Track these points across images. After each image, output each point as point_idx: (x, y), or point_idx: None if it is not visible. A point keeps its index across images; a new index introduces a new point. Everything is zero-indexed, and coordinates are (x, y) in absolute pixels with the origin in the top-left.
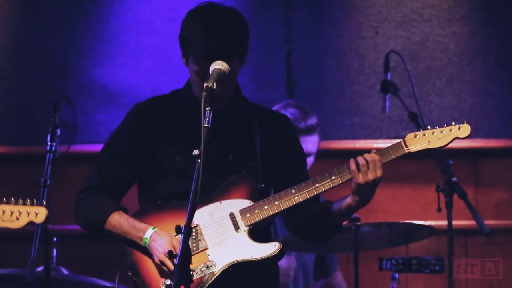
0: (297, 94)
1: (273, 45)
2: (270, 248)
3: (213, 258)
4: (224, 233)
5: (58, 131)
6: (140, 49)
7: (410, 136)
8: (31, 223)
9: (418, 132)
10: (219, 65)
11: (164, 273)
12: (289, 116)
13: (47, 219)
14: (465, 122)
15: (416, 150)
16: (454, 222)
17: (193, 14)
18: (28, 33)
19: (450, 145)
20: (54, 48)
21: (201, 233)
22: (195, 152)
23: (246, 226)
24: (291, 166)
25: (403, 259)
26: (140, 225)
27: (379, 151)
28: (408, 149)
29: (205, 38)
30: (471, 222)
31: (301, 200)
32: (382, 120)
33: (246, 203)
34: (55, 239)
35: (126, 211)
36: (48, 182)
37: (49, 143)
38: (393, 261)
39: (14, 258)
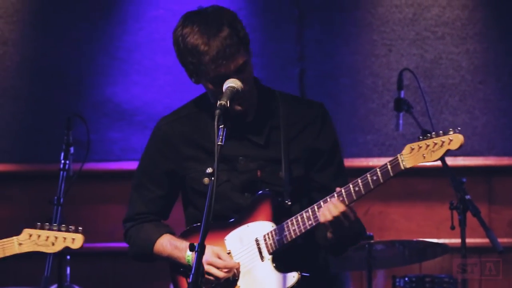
0: None
1: (286, 63)
2: (290, 280)
3: None
4: (252, 262)
5: (72, 149)
6: (154, 67)
7: (406, 150)
8: (66, 248)
9: (414, 144)
10: (232, 83)
11: None
12: None
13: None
14: (458, 130)
15: (410, 166)
16: (468, 240)
17: (184, 26)
18: (42, 51)
19: (464, 163)
20: (68, 66)
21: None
22: (209, 170)
23: (269, 254)
24: (318, 169)
25: (416, 277)
26: (182, 244)
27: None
28: (404, 166)
29: (206, 38)
30: (484, 240)
31: (314, 224)
32: (395, 138)
33: (269, 226)
34: (68, 257)
35: (171, 232)
36: (61, 200)
37: (62, 161)
38: (406, 279)
39: (28, 276)
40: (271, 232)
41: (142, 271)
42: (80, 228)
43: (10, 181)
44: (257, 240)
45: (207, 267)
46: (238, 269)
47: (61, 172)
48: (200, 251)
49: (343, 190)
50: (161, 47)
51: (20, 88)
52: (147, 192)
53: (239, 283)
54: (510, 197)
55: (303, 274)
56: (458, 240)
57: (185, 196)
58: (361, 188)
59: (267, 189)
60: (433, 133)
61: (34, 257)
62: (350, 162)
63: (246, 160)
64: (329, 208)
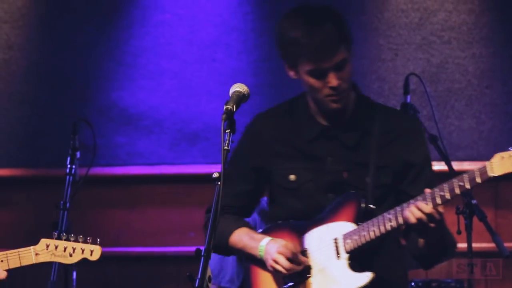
0: None
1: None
2: (363, 279)
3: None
4: (328, 260)
5: (78, 154)
6: (160, 71)
7: (496, 158)
8: (84, 260)
9: (505, 154)
10: (238, 87)
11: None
12: None
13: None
14: None
15: (499, 174)
16: (474, 245)
17: (288, 18)
18: (48, 56)
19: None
20: (74, 71)
21: (308, 259)
22: (215, 175)
23: (346, 253)
24: (409, 182)
25: (422, 281)
26: (258, 236)
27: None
28: (492, 174)
29: (309, 30)
30: (491, 245)
31: (395, 226)
32: None
33: (350, 226)
34: None
35: (250, 227)
36: (67, 204)
37: (68, 166)
38: (412, 283)
39: (34, 281)
40: (350, 231)
41: (148, 276)
42: (98, 239)
43: (16, 186)
44: (335, 239)
45: (276, 256)
46: (310, 266)
47: (67, 177)
48: (206, 256)
49: (427, 194)
50: (167, 52)
51: (26, 92)
52: (233, 185)
53: (312, 279)
54: None
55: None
56: (465, 245)
57: (271, 192)
58: (446, 193)
59: (353, 191)
60: None
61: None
62: None
63: (334, 160)
64: (412, 210)
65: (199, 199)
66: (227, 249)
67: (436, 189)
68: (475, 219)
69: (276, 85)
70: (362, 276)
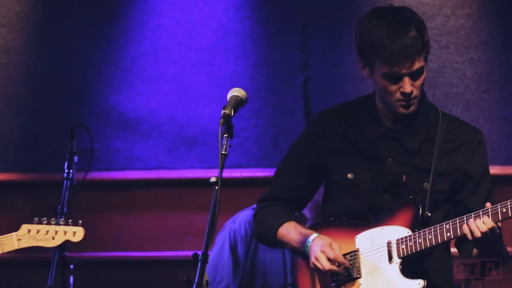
0: None
1: (290, 72)
2: (414, 286)
3: None
4: (379, 263)
5: (75, 158)
6: (158, 76)
7: None
8: (67, 242)
9: None
10: (236, 92)
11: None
12: None
13: (64, 246)
14: None
15: None
16: None
17: (372, 18)
18: (46, 60)
19: None
20: (72, 75)
21: (358, 260)
22: (213, 179)
23: (399, 258)
24: (467, 193)
25: None
26: (307, 231)
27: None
28: None
29: (393, 34)
30: None
31: (452, 237)
32: None
33: (405, 232)
34: (72, 266)
35: (298, 221)
36: (65, 209)
37: (66, 170)
38: None
39: (31, 286)
40: (405, 237)
41: (146, 280)
42: (80, 221)
43: (14, 190)
44: (389, 243)
45: (318, 254)
46: (360, 267)
47: (65, 181)
48: (203, 260)
49: (489, 209)
50: (164, 56)
51: (24, 97)
52: (287, 178)
53: (361, 281)
54: None
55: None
56: None
57: (326, 188)
58: (509, 210)
59: (411, 196)
60: None
61: (38, 267)
62: None
63: (394, 162)
64: (478, 225)
65: (196, 203)
66: (274, 241)
67: (499, 205)
68: None
69: (273, 90)
70: (413, 283)
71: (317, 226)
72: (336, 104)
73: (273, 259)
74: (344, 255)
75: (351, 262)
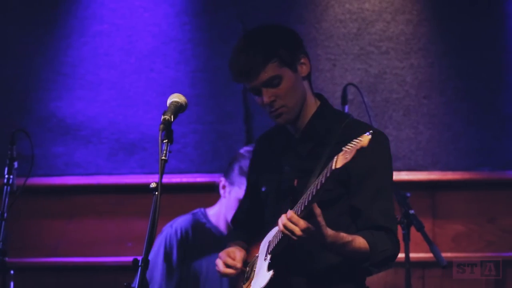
0: (254, 127)
1: (230, 78)
2: (265, 278)
3: None
4: (260, 263)
5: (15, 164)
6: (98, 82)
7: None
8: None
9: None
10: (176, 97)
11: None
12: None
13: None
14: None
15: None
16: (412, 255)
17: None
18: None
19: (408, 177)
20: (12, 81)
21: (256, 263)
22: (152, 185)
23: (268, 253)
24: (352, 193)
25: None
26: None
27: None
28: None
29: (235, 53)
30: (428, 255)
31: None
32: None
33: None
34: (12, 272)
35: (246, 241)
36: (5, 215)
37: (6, 176)
38: None
39: None
40: (275, 233)
41: (87, 286)
42: None
43: None
44: (269, 242)
45: (217, 261)
46: (253, 269)
47: (5, 187)
48: (143, 266)
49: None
50: (104, 62)
51: None
52: (243, 201)
53: (252, 281)
54: (454, 212)
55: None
56: (402, 255)
57: None
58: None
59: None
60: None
61: None
62: None
63: (290, 169)
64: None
65: (136, 209)
66: None
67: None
68: (412, 229)
69: (213, 96)
70: (267, 275)
71: (251, 244)
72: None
73: (210, 266)
74: (251, 261)
75: (250, 266)
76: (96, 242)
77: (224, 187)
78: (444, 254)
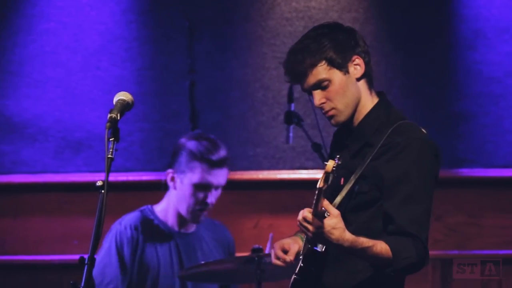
0: (201, 125)
1: (177, 76)
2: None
3: None
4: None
5: None
6: (44, 80)
7: None
8: None
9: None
10: (122, 96)
11: None
12: (201, 148)
13: None
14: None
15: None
16: None
17: None
18: None
19: None
20: None
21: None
22: (99, 183)
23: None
24: (385, 197)
25: None
26: None
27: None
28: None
29: (288, 56)
30: None
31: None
32: (285, 151)
33: None
34: None
35: None
36: None
37: None
38: None
39: None
40: None
41: (32, 284)
42: None
43: None
44: None
45: (271, 250)
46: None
47: None
48: (90, 264)
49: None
50: (51, 60)
51: None
52: None
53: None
54: None
55: None
56: None
57: None
58: None
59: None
60: None
61: None
62: (240, 175)
63: (341, 166)
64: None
65: (83, 207)
66: None
67: None
68: None
69: (160, 94)
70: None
71: None
72: None
73: (161, 260)
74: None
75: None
76: (41, 240)
77: (173, 178)
78: None
